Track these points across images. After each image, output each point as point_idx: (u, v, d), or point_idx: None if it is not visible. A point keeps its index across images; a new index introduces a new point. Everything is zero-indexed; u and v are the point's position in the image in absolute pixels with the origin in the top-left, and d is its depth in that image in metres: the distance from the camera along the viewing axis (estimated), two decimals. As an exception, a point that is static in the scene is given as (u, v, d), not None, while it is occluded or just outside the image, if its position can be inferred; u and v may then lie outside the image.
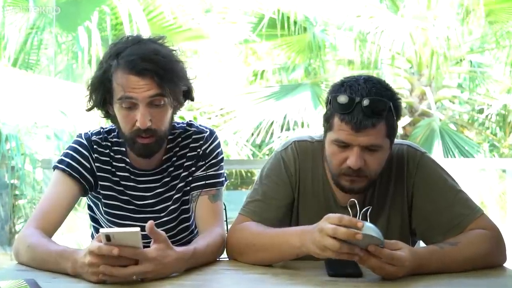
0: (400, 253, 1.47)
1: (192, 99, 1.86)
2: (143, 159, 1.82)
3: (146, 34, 5.30)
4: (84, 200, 2.00)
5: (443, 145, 6.56)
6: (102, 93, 1.75)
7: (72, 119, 5.13)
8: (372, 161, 1.64)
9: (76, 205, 1.88)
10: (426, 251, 1.57)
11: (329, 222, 1.44)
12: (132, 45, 1.72)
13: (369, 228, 1.42)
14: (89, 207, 1.97)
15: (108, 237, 1.39)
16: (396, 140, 1.75)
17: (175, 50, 1.79)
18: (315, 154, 1.80)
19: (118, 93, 1.70)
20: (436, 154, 6.36)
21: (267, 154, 8.03)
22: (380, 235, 1.43)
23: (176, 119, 1.90)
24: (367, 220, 1.45)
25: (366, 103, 1.59)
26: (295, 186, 1.79)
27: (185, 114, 6.65)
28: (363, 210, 1.48)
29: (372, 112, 1.59)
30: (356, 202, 1.51)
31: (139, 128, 1.71)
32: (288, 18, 7.15)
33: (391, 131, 1.66)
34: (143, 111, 1.69)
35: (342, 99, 1.61)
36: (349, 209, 1.51)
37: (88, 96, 1.79)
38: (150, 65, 1.68)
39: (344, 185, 1.68)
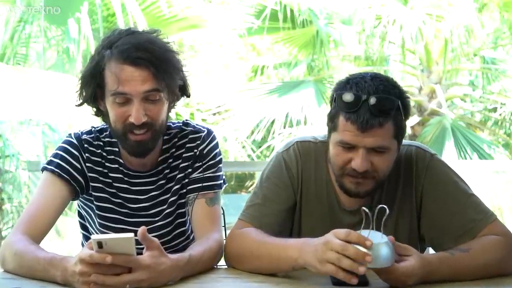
0: (408, 264, 1.47)
1: (188, 95, 1.85)
2: (137, 158, 1.82)
3: (139, 22, 5.32)
4: (75, 204, 1.99)
5: (456, 144, 6.53)
6: (93, 87, 1.74)
7: (66, 115, 5.11)
8: (379, 163, 1.63)
9: (66, 209, 1.88)
10: (436, 258, 1.57)
11: (336, 237, 1.43)
12: (126, 36, 1.73)
13: (378, 253, 1.40)
14: (79, 214, 1.96)
15: (100, 244, 1.38)
16: (404, 141, 1.74)
17: (170, 42, 1.79)
18: (318, 155, 1.80)
19: (111, 86, 1.70)
20: (449, 154, 6.32)
21: (267, 156, 8.01)
22: (391, 261, 1.42)
23: (173, 116, 1.90)
24: (380, 229, 1.43)
25: (373, 101, 1.58)
26: (297, 189, 1.79)
27: (181, 110, 6.64)
28: (378, 208, 1.45)
29: (379, 111, 1.58)
30: (368, 211, 1.46)
31: (132, 123, 1.70)
32: (291, 10, 7.14)
33: (399, 132, 1.65)
34: (137, 106, 1.69)
35: (348, 97, 1.61)
36: (363, 214, 1.46)
37: (79, 91, 1.79)
38: (146, 54, 1.68)
39: (349, 188, 1.68)
